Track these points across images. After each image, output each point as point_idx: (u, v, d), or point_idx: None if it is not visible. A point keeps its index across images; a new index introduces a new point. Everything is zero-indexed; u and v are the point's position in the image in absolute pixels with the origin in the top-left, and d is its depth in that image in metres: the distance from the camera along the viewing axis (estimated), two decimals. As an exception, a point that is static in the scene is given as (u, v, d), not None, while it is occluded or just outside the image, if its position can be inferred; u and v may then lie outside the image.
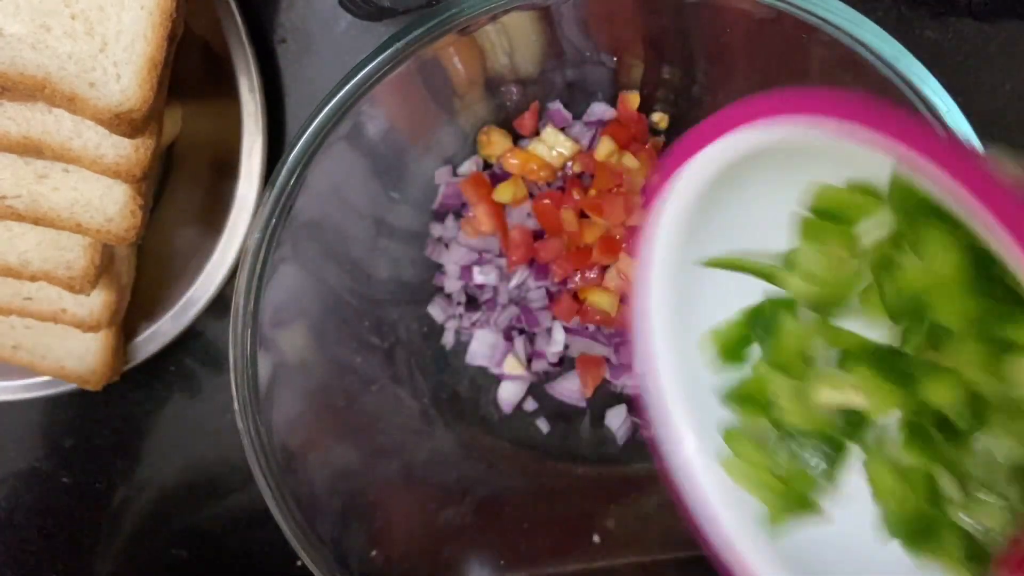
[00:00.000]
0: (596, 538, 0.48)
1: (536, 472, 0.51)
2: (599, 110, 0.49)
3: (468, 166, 0.50)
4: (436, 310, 0.52)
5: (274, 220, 0.41)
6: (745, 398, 0.32)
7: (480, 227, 0.49)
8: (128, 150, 0.41)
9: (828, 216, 0.29)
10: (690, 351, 0.33)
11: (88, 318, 0.48)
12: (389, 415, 0.49)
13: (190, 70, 0.47)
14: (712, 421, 0.33)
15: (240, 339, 0.41)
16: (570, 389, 0.52)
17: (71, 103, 0.39)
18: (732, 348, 0.32)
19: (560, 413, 0.52)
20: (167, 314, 0.51)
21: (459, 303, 0.51)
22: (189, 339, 0.53)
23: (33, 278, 0.45)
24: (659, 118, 0.50)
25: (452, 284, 0.51)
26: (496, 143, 0.50)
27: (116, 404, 0.56)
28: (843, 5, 0.37)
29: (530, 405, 0.52)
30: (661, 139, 0.50)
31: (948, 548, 0.28)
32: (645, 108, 0.49)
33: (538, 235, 0.50)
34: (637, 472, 0.51)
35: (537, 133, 0.50)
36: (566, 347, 0.51)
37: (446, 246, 0.51)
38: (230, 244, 0.49)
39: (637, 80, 0.48)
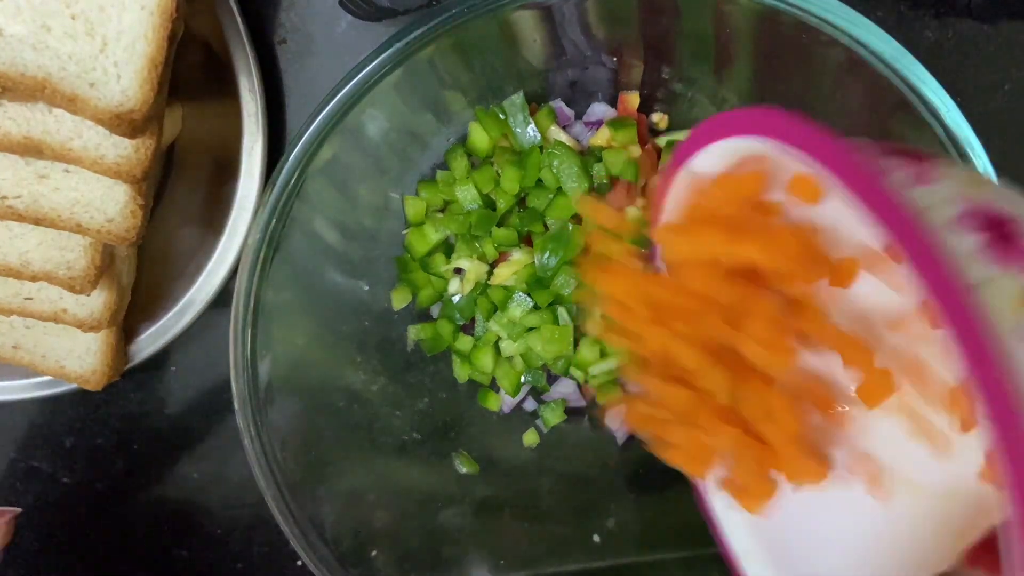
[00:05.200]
0: (596, 538, 0.48)
1: (536, 472, 0.51)
2: (599, 110, 0.49)
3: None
4: (437, 309, 0.52)
5: (274, 220, 0.41)
6: None
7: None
8: (128, 150, 0.41)
9: None
10: None
11: (88, 318, 0.48)
12: (389, 415, 0.49)
13: (190, 70, 0.48)
14: None
15: (240, 339, 0.41)
16: (566, 392, 0.52)
17: (72, 103, 0.39)
18: None
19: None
20: (167, 314, 0.51)
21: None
22: (189, 339, 0.53)
23: (34, 278, 0.45)
24: (659, 118, 0.50)
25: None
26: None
27: (116, 404, 0.56)
28: (843, 5, 0.37)
29: (530, 405, 0.52)
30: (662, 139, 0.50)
31: None
32: (645, 108, 0.49)
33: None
34: (637, 472, 0.51)
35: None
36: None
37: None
38: (230, 244, 0.49)
39: (637, 81, 0.48)
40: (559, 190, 0.47)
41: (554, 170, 0.46)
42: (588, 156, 0.48)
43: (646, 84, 0.48)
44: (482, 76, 0.47)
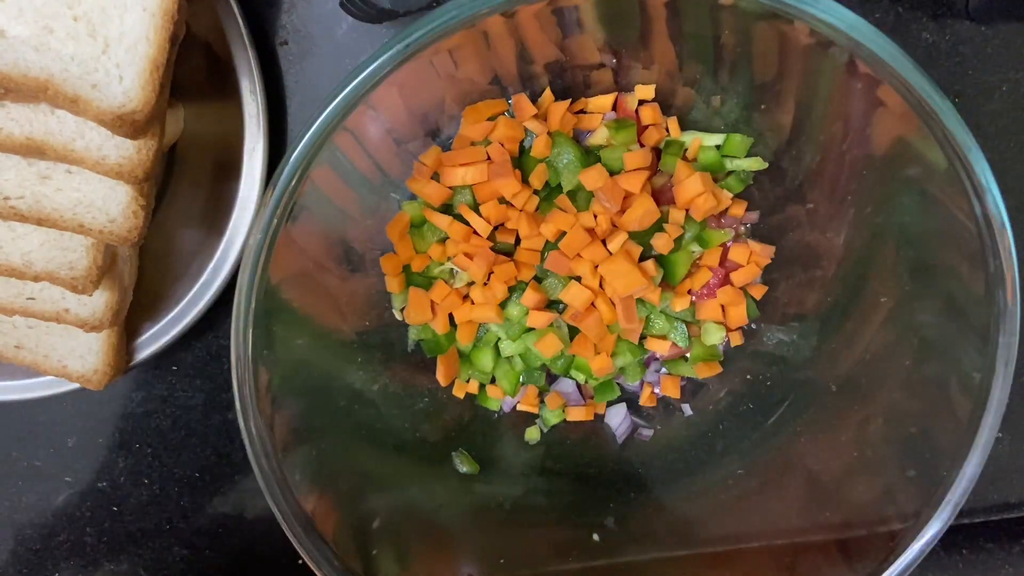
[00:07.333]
0: (596, 537, 0.48)
1: (536, 471, 0.52)
2: (599, 111, 0.50)
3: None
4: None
5: (275, 221, 0.41)
6: None
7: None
8: (130, 151, 0.42)
9: None
10: None
11: (90, 318, 0.48)
12: (389, 414, 0.50)
13: (192, 72, 0.48)
14: None
15: (241, 339, 0.41)
16: (566, 392, 0.52)
17: (74, 104, 0.39)
18: None
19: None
20: (169, 314, 0.51)
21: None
22: (190, 339, 0.53)
23: (36, 278, 0.45)
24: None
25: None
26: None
27: (118, 404, 0.56)
28: (841, 7, 0.37)
29: (530, 405, 0.53)
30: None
31: None
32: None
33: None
34: (636, 471, 0.51)
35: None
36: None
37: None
38: (231, 245, 0.50)
39: (636, 82, 0.48)
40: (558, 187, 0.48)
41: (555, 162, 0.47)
42: (588, 156, 0.48)
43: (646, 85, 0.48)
44: (483, 77, 0.47)
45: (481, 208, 0.48)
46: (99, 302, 0.48)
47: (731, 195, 0.49)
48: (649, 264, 0.48)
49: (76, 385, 0.51)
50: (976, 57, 0.50)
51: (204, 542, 0.58)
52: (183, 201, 0.52)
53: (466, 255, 0.48)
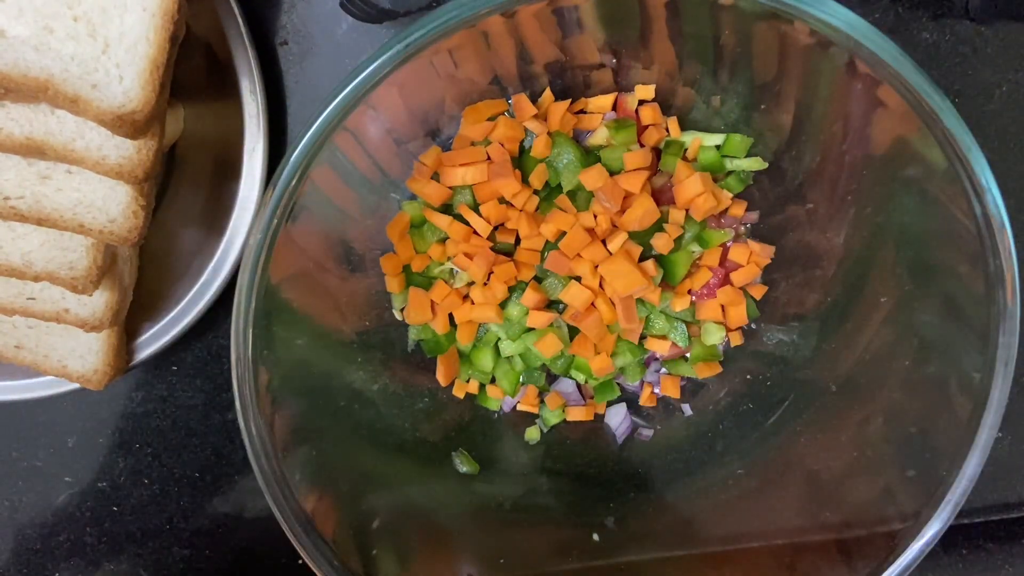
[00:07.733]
0: (596, 537, 0.49)
1: (536, 472, 0.52)
2: (598, 111, 0.50)
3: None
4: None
5: (275, 221, 0.41)
6: None
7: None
8: (130, 151, 0.42)
9: None
10: None
11: (90, 318, 0.48)
12: (389, 414, 0.50)
13: (192, 72, 0.48)
14: None
15: (241, 338, 0.41)
16: (566, 392, 0.52)
17: (74, 104, 0.39)
18: None
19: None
20: (169, 314, 0.51)
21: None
22: (190, 339, 0.53)
23: (36, 278, 0.45)
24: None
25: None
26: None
27: (118, 403, 0.56)
28: (841, 7, 0.37)
29: (530, 405, 0.53)
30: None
31: None
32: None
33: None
34: (636, 471, 0.51)
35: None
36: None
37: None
38: (232, 245, 0.50)
39: (636, 82, 0.48)
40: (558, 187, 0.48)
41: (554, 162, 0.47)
42: (588, 156, 0.48)
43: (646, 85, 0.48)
44: (483, 77, 0.47)
45: (481, 208, 0.48)
46: (99, 302, 0.48)
47: (731, 195, 0.49)
48: (649, 264, 0.48)
49: (76, 385, 0.51)
50: (976, 57, 0.50)
51: (204, 542, 0.58)
52: (183, 201, 0.52)
53: (466, 255, 0.48)
